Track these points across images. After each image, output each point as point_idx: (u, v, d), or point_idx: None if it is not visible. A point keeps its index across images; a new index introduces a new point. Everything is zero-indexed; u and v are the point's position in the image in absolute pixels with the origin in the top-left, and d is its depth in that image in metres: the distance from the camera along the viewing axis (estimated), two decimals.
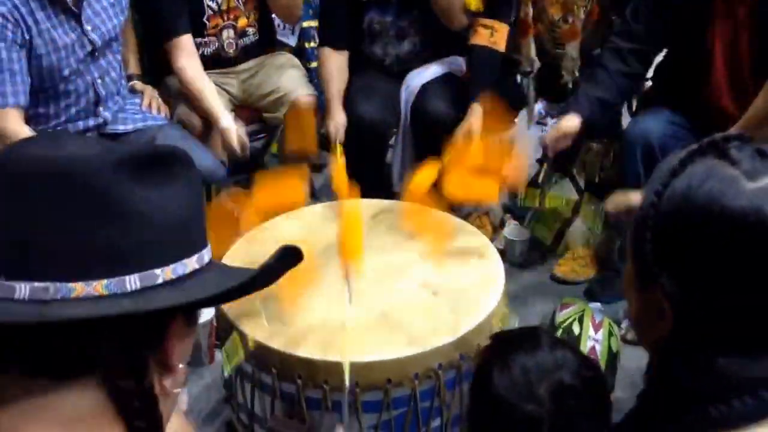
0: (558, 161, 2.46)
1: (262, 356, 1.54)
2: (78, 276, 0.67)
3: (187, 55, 2.49)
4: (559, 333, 2.00)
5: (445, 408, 1.57)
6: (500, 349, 1.29)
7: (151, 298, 0.70)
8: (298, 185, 2.07)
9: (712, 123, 2.00)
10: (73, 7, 2.12)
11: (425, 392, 1.52)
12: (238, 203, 2.00)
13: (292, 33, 3.15)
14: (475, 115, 2.45)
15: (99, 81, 2.26)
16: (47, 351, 0.68)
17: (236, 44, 2.66)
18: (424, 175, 2.02)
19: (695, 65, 2.17)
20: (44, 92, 2.17)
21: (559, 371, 1.20)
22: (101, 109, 2.30)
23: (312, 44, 3.14)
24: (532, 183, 2.49)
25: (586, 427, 1.18)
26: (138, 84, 2.55)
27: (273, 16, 2.79)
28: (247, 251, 1.83)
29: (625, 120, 2.53)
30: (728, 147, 0.80)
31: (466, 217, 2.69)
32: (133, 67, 2.59)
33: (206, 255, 0.78)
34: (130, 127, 2.37)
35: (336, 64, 2.61)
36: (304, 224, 1.97)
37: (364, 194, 2.14)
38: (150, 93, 2.52)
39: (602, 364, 1.93)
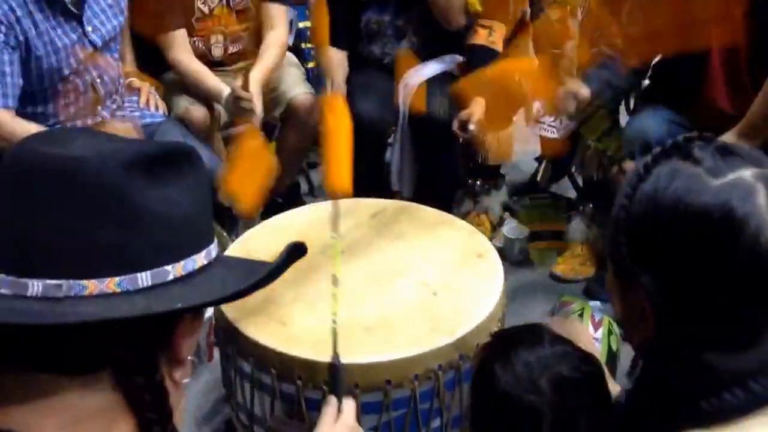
0: (557, 160, 2.47)
1: (262, 356, 1.54)
2: (90, 274, 0.68)
3: (180, 48, 2.50)
4: None
5: (444, 409, 1.57)
6: (502, 345, 1.29)
7: (162, 295, 0.71)
8: (261, 148, 2.05)
9: (709, 122, 2.00)
10: (73, 9, 2.12)
11: (425, 393, 1.52)
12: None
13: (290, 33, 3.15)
14: (478, 105, 2.48)
15: (98, 80, 2.26)
16: (60, 347, 0.68)
17: (225, 48, 2.65)
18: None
19: (693, 64, 2.18)
20: (43, 92, 2.17)
21: (560, 365, 1.20)
22: (100, 108, 2.30)
23: (308, 44, 3.14)
24: None
25: (587, 420, 1.18)
26: (135, 81, 2.55)
27: None
28: (247, 251, 1.83)
29: (623, 119, 2.54)
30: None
31: (465, 215, 2.71)
32: (130, 65, 2.58)
33: (213, 249, 0.79)
34: (129, 125, 2.37)
35: (337, 60, 2.61)
36: (304, 222, 1.97)
37: (363, 193, 2.14)
38: (147, 90, 2.52)
39: (602, 363, 1.94)
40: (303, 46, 3.16)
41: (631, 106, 2.63)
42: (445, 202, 2.29)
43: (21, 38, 2.04)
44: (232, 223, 2.74)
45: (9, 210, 0.69)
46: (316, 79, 2.94)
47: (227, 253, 1.85)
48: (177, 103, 2.57)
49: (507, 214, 2.93)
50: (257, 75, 2.45)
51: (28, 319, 0.66)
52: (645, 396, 0.87)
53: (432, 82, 2.59)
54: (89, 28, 2.17)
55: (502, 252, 1.94)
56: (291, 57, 2.84)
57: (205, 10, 2.58)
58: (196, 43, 2.61)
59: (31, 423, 0.68)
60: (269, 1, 2.61)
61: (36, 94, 2.15)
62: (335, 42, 2.61)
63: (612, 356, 2.02)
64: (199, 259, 0.76)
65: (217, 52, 2.64)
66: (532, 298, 2.52)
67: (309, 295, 1.65)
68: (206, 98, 2.55)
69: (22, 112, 2.13)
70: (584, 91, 2.25)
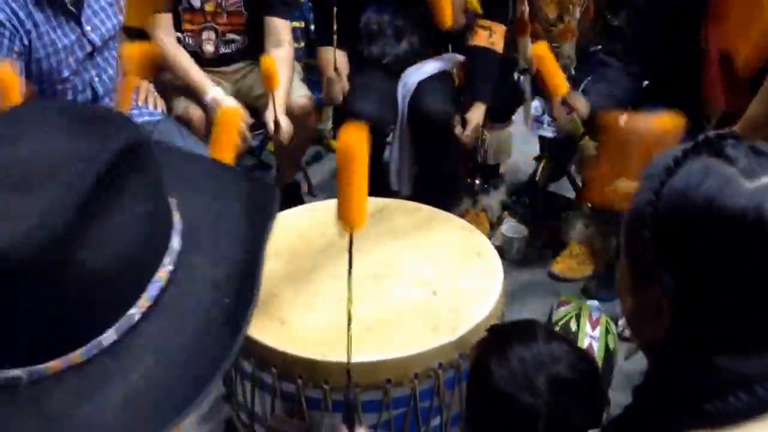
0: (556, 159, 2.48)
1: (263, 356, 1.55)
2: (52, 356, 0.64)
3: (165, 30, 2.50)
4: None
5: (444, 407, 1.57)
6: (497, 341, 1.30)
7: (132, 342, 0.67)
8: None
9: (707, 122, 2.02)
10: (72, 8, 2.11)
11: (425, 392, 1.53)
12: None
13: None
14: (478, 111, 2.51)
15: (96, 79, 2.25)
16: None
17: (216, 46, 2.64)
18: None
19: (690, 65, 2.19)
20: (42, 93, 2.16)
21: (556, 364, 1.21)
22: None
23: (302, 44, 3.14)
24: None
25: (581, 418, 1.19)
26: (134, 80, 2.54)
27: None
28: None
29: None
30: (724, 145, 0.80)
31: (463, 214, 2.71)
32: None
33: (176, 242, 0.72)
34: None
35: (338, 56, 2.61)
36: (304, 222, 1.98)
37: None
38: (145, 88, 2.51)
39: (599, 361, 1.95)
40: (295, 45, 3.15)
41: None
42: (444, 201, 2.29)
43: (26, 41, 2.03)
44: None
45: None
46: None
47: None
48: (176, 103, 2.57)
49: (506, 213, 2.94)
50: (280, 101, 2.45)
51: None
52: (649, 395, 0.86)
53: (431, 81, 2.60)
54: (88, 28, 2.16)
55: (500, 251, 1.94)
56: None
57: (196, 3, 2.57)
58: (187, 40, 2.60)
59: None
60: (271, 15, 2.59)
61: (34, 95, 2.15)
62: (335, 42, 2.63)
63: (609, 355, 2.03)
64: (163, 276, 0.69)
65: (208, 48, 2.63)
66: (531, 297, 2.53)
67: (310, 293, 1.65)
68: (190, 89, 2.54)
69: None
70: (582, 108, 2.26)
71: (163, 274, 0.69)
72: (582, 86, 2.38)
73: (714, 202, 0.77)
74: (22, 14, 2.02)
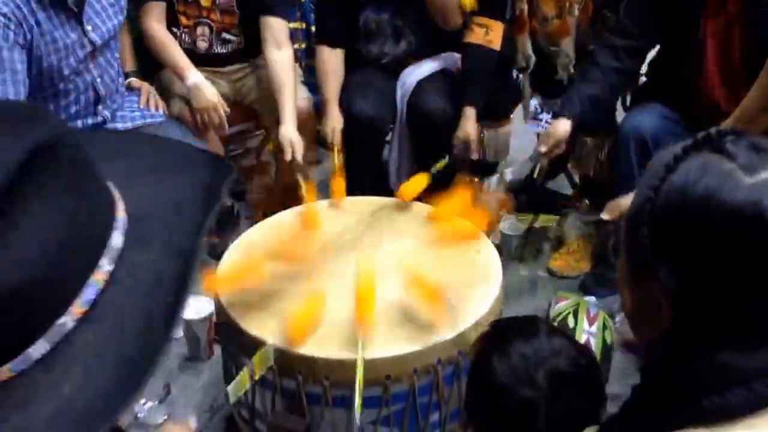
0: (553, 157, 2.48)
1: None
2: None
3: (156, 19, 2.50)
4: None
5: (443, 403, 1.59)
6: (499, 336, 1.31)
7: (67, 350, 0.65)
8: None
9: (704, 118, 2.02)
10: (73, 7, 2.12)
11: (424, 387, 1.54)
12: None
13: None
14: (470, 120, 2.52)
15: (98, 80, 2.26)
16: None
17: (210, 42, 2.62)
18: (414, 183, 2.10)
19: (688, 61, 2.19)
20: (43, 92, 2.16)
21: (556, 358, 1.22)
22: (101, 107, 2.30)
23: (303, 45, 3.14)
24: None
25: (580, 412, 1.20)
26: (135, 81, 2.55)
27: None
28: (246, 251, 1.85)
29: (619, 115, 2.56)
30: (724, 141, 0.80)
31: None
32: (130, 65, 2.59)
33: (117, 239, 0.69)
34: (129, 125, 2.38)
35: (332, 64, 2.62)
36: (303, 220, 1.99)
37: (362, 191, 2.16)
38: (147, 90, 2.52)
39: (597, 357, 1.96)
40: (296, 46, 3.16)
41: (627, 102, 2.65)
42: (443, 200, 2.29)
43: (28, 37, 2.04)
44: (233, 223, 2.76)
45: None
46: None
47: (228, 252, 1.86)
48: (172, 105, 2.57)
49: (504, 210, 2.94)
50: (289, 107, 2.47)
51: None
52: (649, 391, 0.86)
53: (429, 80, 2.61)
54: (89, 27, 2.17)
55: (499, 248, 1.95)
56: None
57: None
58: (183, 36, 2.59)
59: None
60: (267, 15, 2.58)
61: (36, 94, 2.15)
62: (333, 40, 2.64)
63: (607, 350, 2.04)
64: (100, 277, 0.67)
65: (202, 44, 2.61)
66: (529, 294, 2.54)
67: (310, 291, 1.66)
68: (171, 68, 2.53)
69: None
70: (561, 130, 2.29)
71: (99, 276, 0.67)
72: (559, 102, 2.42)
73: (714, 197, 0.77)
74: (25, 10, 2.02)
